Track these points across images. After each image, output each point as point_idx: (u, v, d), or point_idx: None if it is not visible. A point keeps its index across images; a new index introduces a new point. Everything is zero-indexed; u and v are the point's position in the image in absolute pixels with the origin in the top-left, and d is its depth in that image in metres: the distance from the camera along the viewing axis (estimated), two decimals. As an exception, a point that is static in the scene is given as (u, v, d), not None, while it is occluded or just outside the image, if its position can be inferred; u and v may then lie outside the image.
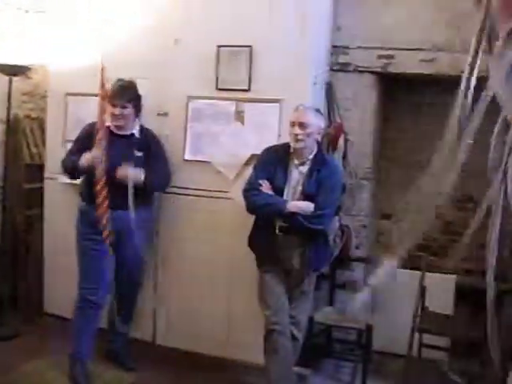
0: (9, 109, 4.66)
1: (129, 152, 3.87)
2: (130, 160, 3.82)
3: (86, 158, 3.72)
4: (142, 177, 3.85)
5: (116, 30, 4.39)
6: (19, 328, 4.61)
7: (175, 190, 4.29)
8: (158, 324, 4.48)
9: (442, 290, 4.40)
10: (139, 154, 3.91)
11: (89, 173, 3.76)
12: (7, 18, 4.80)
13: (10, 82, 4.58)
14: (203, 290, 4.27)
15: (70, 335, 3.89)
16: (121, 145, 3.86)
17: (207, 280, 4.25)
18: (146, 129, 4.06)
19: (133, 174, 3.80)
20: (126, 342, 4.23)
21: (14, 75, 4.60)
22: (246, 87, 4.09)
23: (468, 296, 4.43)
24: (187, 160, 4.27)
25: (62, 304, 4.48)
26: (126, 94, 3.82)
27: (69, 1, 4.67)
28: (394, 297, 4.38)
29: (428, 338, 4.19)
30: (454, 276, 4.48)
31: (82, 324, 3.86)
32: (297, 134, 3.50)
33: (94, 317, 3.87)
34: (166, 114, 4.32)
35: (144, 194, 3.93)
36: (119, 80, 3.87)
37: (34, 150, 5.12)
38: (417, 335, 4.10)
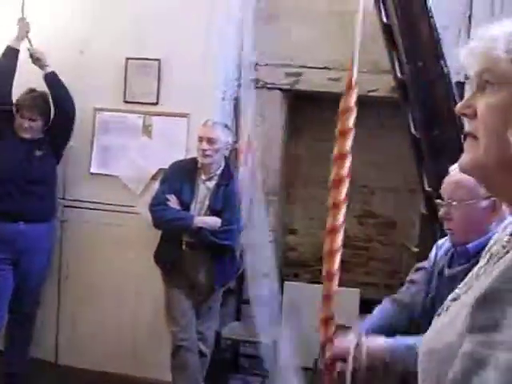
0: None
1: (29, 154, 3.75)
2: (31, 161, 3.69)
3: None
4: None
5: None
6: None
7: (80, 204, 4.18)
8: (60, 343, 4.32)
9: (346, 303, 4.50)
10: (39, 153, 3.79)
11: None
12: None
13: None
14: (109, 307, 4.17)
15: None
16: (23, 147, 3.75)
17: (113, 296, 4.16)
18: None
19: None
20: (24, 362, 4.05)
21: None
22: (155, 101, 4.07)
23: (372, 308, 4.57)
24: (93, 173, 4.18)
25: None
26: (36, 107, 3.73)
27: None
28: (299, 310, 4.44)
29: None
30: (357, 289, 4.60)
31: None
32: (204, 150, 3.51)
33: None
34: (72, 126, 4.21)
35: (46, 204, 3.81)
36: (31, 91, 3.78)
37: None
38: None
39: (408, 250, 4.63)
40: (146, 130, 4.09)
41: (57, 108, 3.84)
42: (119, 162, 4.13)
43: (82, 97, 4.15)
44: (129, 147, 4.11)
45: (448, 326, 0.89)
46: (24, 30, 3.82)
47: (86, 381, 4.10)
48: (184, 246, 3.54)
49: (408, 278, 2.29)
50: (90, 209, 4.18)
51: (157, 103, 4.07)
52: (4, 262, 3.69)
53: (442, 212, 1.96)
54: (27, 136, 3.76)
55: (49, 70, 3.85)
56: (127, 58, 4.10)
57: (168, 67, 4.05)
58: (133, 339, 4.14)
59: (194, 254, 3.54)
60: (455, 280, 1.02)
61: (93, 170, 4.18)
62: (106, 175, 4.15)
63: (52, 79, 3.85)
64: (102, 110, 4.17)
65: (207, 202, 3.57)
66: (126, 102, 4.12)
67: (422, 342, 0.97)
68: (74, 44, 4.18)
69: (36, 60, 3.84)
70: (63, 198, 4.16)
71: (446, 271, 1.99)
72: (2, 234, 3.65)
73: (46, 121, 3.82)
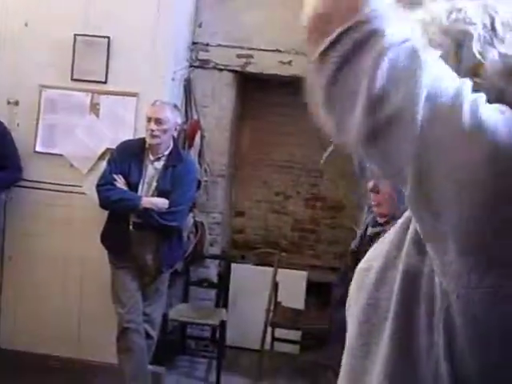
0: None
1: None
2: None
3: None
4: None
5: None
6: None
7: (25, 183, 4.08)
8: (2, 327, 4.22)
9: (293, 286, 4.56)
10: None
11: None
12: None
13: None
14: (54, 289, 4.10)
15: None
16: None
17: (58, 278, 4.09)
18: None
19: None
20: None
21: None
22: (103, 79, 3.99)
23: (317, 291, 4.64)
24: (38, 152, 4.08)
25: None
26: None
27: None
28: (246, 293, 4.47)
29: (280, 332, 4.33)
30: (305, 272, 4.66)
31: None
32: (153, 130, 3.47)
33: None
34: (16, 103, 4.09)
35: None
36: None
37: None
38: (270, 329, 4.22)
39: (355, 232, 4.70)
40: (94, 108, 4.01)
41: None
42: (65, 141, 4.04)
43: (27, 73, 4.05)
44: (76, 126, 4.02)
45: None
46: None
47: (28, 364, 4.01)
48: (131, 227, 3.50)
49: None
50: (35, 188, 4.08)
51: (105, 82, 3.99)
52: None
53: (370, 185, 2.05)
54: None
55: None
56: (75, 35, 4.00)
57: (117, 45, 3.98)
58: (79, 322, 4.08)
59: (141, 235, 3.51)
60: (376, 238, 1.05)
61: (38, 148, 4.07)
62: (52, 154, 4.05)
63: None
64: (48, 87, 4.06)
65: (155, 183, 3.54)
66: (74, 79, 4.02)
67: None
68: (20, 16, 4.06)
69: None
70: (5, 178, 4.05)
71: (369, 230, 2.09)
72: None
73: None
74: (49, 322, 4.11)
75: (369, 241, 1.94)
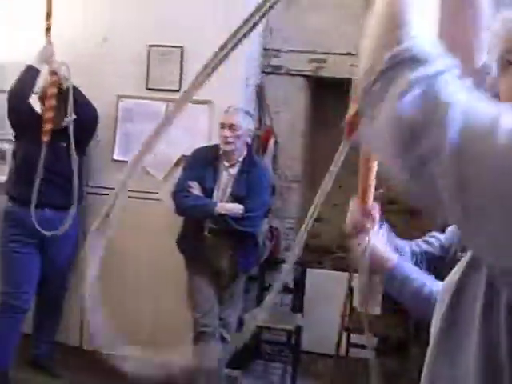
0: None
1: (54, 144, 3.78)
2: (55, 151, 3.74)
3: None
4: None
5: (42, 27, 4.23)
6: None
7: (103, 190, 4.20)
8: (85, 328, 4.37)
9: (369, 291, 4.49)
10: (64, 144, 3.81)
11: None
12: None
13: None
14: (131, 292, 4.21)
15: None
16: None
17: (135, 282, 4.20)
18: None
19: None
20: (52, 347, 4.12)
21: None
22: (177, 88, 4.06)
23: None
24: (116, 160, 4.20)
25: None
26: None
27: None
28: (322, 298, 4.44)
29: (356, 338, 4.27)
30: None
31: (3, 330, 3.75)
32: (226, 136, 3.51)
33: (16, 322, 3.77)
34: (96, 112, 4.23)
35: (71, 191, 3.84)
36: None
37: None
38: (345, 335, 4.17)
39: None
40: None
41: (78, 117, 3.85)
42: (142, 149, 4.14)
43: (105, 84, 4.18)
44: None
45: None
46: (47, 55, 3.73)
47: (108, 365, 4.12)
48: (206, 233, 3.54)
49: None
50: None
51: (179, 90, 4.06)
52: (31, 247, 3.76)
53: None
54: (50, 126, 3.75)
55: (70, 84, 3.82)
56: (150, 46, 4.11)
57: (190, 54, 4.05)
58: (155, 324, 4.17)
59: (217, 240, 3.55)
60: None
61: (116, 156, 4.21)
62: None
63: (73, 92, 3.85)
64: (124, 97, 4.18)
65: (230, 189, 3.57)
66: (149, 89, 4.13)
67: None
68: (98, 32, 4.21)
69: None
70: (87, 185, 4.21)
71: (458, 255, 1.97)
72: (28, 220, 3.69)
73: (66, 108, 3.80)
74: (127, 323, 4.20)
75: (451, 262, 1.83)
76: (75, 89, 3.80)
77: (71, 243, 3.96)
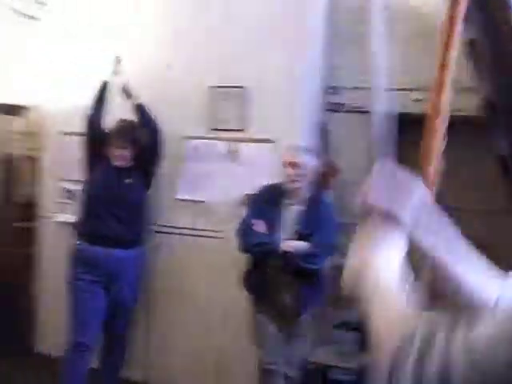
0: (4, 148, 4.68)
1: (120, 181, 3.89)
2: (122, 188, 3.83)
3: None
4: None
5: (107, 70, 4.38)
6: (9, 370, 4.55)
7: (168, 229, 4.29)
8: (150, 363, 4.42)
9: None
10: (130, 181, 3.93)
11: None
12: (5, 59, 4.86)
13: (7, 121, 4.61)
14: (196, 329, 4.24)
15: (60, 376, 3.86)
16: (114, 174, 3.91)
17: (201, 319, 4.22)
18: None
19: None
20: (118, 381, 4.18)
21: (10, 115, 4.64)
22: (240, 127, 4.13)
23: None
24: (182, 200, 4.28)
25: (54, 344, 4.43)
26: (126, 136, 3.88)
27: (61, 43, 4.73)
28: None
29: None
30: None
31: (72, 365, 3.85)
32: (290, 175, 3.52)
33: (84, 357, 3.85)
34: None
35: (137, 230, 3.92)
36: (121, 121, 3.93)
37: (27, 189, 5.12)
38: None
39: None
40: (232, 155, 4.15)
41: (145, 137, 3.98)
42: (206, 188, 4.21)
43: (171, 126, 4.28)
44: (216, 173, 4.19)
45: None
46: (118, 67, 4.03)
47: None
48: (271, 271, 3.54)
49: None
50: (179, 234, 4.27)
51: (242, 129, 4.13)
52: (96, 285, 3.84)
53: None
54: (119, 164, 3.91)
55: (138, 101, 4.00)
56: (212, 87, 4.19)
57: (252, 94, 4.11)
58: (219, 362, 4.17)
59: (281, 278, 3.53)
60: None
61: (180, 196, 4.28)
62: (194, 201, 4.24)
63: (140, 110, 4.00)
64: (189, 137, 4.27)
65: (294, 226, 3.57)
66: (213, 129, 4.20)
67: None
68: (159, 76, 4.33)
69: (126, 94, 4.01)
70: (153, 224, 4.28)
71: None
72: (94, 258, 3.80)
73: (135, 149, 3.94)
74: (191, 361, 4.23)
75: None
76: (142, 107, 4.05)
77: (137, 281, 4.03)
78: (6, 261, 4.96)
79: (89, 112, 4.01)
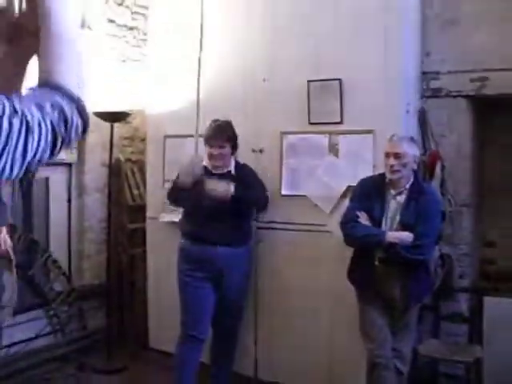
0: (111, 153, 4.91)
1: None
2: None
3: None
4: (232, 189, 3.82)
5: (209, 70, 4.45)
6: (126, 362, 4.79)
7: (273, 225, 4.34)
8: (259, 358, 4.49)
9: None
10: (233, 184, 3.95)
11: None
12: (106, 68, 5.09)
13: (112, 127, 4.83)
14: (304, 324, 4.25)
15: (173, 369, 4.00)
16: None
17: (308, 313, 4.23)
18: (242, 164, 4.14)
19: (222, 186, 3.82)
20: (229, 376, 4.27)
21: (115, 121, 4.85)
22: (339, 120, 4.11)
23: None
24: (284, 195, 4.32)
25: (166, 339, 4.59)
26: (223, 134, 3.93)
27: (162, 47, 4.89)
28: (503, 328, 4.18)
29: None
30: None
31: (184, 358, 3.97)
32: (392, 165, 3.48)
33: (195, 352, 3.96)
34: (261, 151, 4.39)
35: (243, 229, 3.99)
36: (215, 120, 4.00)
37: (135, 191, 5.35)
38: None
39: None
40: (333, 149, 4.15)
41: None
42: (308, 183, 4.22)
43: (269, 122, 4.34)
44: (316, 167, 4.19)
45: None
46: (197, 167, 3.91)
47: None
48: (377, 263, 3.51)
49: None
50: (282, 229, 4.32)
51: (341, 122, 4.11)
52: (205, 281, 3.94)
53: None
54: (219, 164, 3.95)
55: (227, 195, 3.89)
56: (308, 81, 4.19)
57: (349, 85, 4.08)
58: (329, 356, 4.17)
59: (388, 270, 3.50)
60: None
61: (284, 191, 4.32)
62: (296, 196, 4.26)
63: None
64: (288, 133, 4.30)
65: (398, 217, 3.52)
66: (311, 123, 4.21)
67: None
68: (258, 72, 4.39)
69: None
70: (256, 220, 4.34)
71: None
72: (203, 255, 3.89)
73: (233, 146, 3.98)
74: (300, 356, 4.26)
75: None
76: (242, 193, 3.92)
77: (244, 277, 4.11)
78: (121, 260, 5.21)
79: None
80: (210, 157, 3.96)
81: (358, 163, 4.02)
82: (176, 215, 4.44)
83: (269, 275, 4.39)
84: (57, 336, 4.84)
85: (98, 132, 4.98)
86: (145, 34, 5.46)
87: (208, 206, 3.84)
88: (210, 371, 4.25)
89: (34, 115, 0.94)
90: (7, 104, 0.91)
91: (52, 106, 0.98)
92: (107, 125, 4.84)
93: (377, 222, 3.52)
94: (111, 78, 5.06)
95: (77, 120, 1.02)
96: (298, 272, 4.26)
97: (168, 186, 4.33)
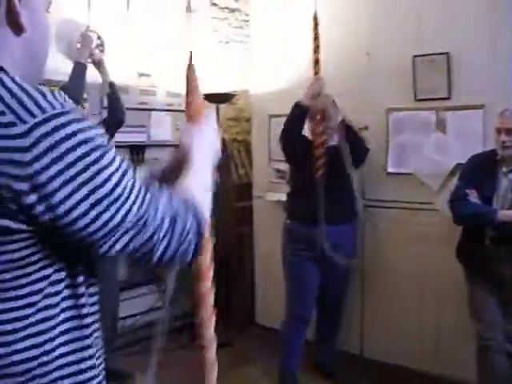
0: (219, 134, 5.03)
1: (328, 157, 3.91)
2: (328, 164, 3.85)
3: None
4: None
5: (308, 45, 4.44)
6: (233, 337, 4.94)
7: (378, 203, 4.31)
8: (365, 337, 4.50)
9: None
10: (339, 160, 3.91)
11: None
12: (211, 50, 5.21)
13: (218, 109, 4.95)
14: (410, 303, 4.21)
15: (279, 346, 4.07)
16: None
17: (414, 293, 4.19)
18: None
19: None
20: (334, 354, 4.31)
21: (221, 103, 4.96)
22: (446, 95, 3.99)
23: None
24: (390, 173, 4.27)
25: (272, 316, 4.70)
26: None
27: (265, 27, 4.94)
28: None
29: None
30: None
31: (290, 336, 4.02)
32: (504, 141, 3.34)
33: (301, 330, 4.01)
34: (366, 128, 4.34)
35: (348, 207, 3.96)
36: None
37: (241, 170, 5.47)
38: None
39: None
40: (440, 125, 4.04)
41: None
42: (415, 160, 4.15)
43: (374, 99, 4.28)
44: (423, 144, 4.11)
45: None
46: (316, 91, 3.84)
47: (388, 375, 4.19)
48: (487, 241, 3.40)
49: None
50: (389, 208, 4.28)
51: (449, 97, 3.99)
52: (311, 260, 3.97)
53: None
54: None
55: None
56: (414, 56, 4.10)
57: (456, 60, 3.94)
58: (435, 336, 4.11)
59: (499, 249, 3.37)
60: None
61: (389, 169, 4.27)
62: (402, 174, 4.20)
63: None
64: (394, 110, 4.24)
65: (510, 195, 3.39)
66: (417, 99, 4.12)
67: None
68: (361, 49, 4.34)
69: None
70: (363, 199, 4.30)
71: None
72: (307, 235, 3.90)
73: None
74: (407, 335, 4.22)
75: None
76: (347, 128, 3.90)
77: (350, 256, 4.11)
78: (230, 239, 5.36)
79: (284, 132, 4.00)
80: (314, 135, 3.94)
81: (467, 140, 3.89)
82: (282, 194, 4.50)
83: (374, 254, 4.37)
84: (168, 310, 5.06)
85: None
86: (246, 15, 5.53)
87: (315, 184, 3.83)
88: (315, 349, 4.30)
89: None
90: None
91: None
92: (213, 106, 4.96)
93: (487, 200, 3.41)
94: (215, 60, 5.17)
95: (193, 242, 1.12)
96: (403, 251, 4.21)
97: (273, 165, 4.39)
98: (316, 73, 3.81)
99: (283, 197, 4.38)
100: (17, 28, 1.05)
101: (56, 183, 0.93)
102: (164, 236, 1.05)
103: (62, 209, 0.94)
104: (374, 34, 4.31)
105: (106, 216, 0.98)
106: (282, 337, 4.07)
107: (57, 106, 0.96)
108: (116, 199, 0.99)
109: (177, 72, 4.99)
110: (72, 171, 0.94)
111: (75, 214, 0.95)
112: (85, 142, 0.96)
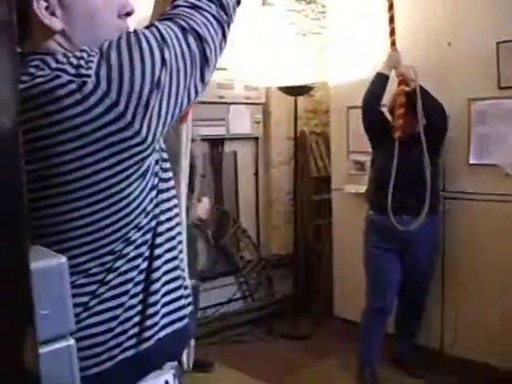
0: (295, 126, 5.05)
1: (408, 154, 3.85)
2: (407, 156, 3.81)
3: None
4: None
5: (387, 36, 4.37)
6: (311, 329, 4.96)
7: (460, 195, 4.20)
8: (445, 332, 4.40)
9: None
10: (417, 151, 3.82)
11: None
12: (288, 43, 5.22)
13: (295, 101, 4.96)
14: (495, 299, 4.06)
15: (358, 339, 4.06)
16: (400, 144, 3.88)
17: (499, 287, 4.04)
18: None
19: None
20: (414, 348, 4.25)
21: (299, 95, 4.97)
22: (533, 82, 3.84)
23: None
24: (472, 164, 4.14)
25: (351, 308, 4.67)
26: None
27: (342, 18, 4.89)
28: None
29: None
30: None
31: (369, 329, 4.00)
32: None
33: (381, 323, 3.98)
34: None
35: (429, 198, 3.88)
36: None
37: (320, 163, 5.46)
38: None
39: None
40: (525, 114, 3.89)
41: (428, 120, 3.87)
42: (498, 151, 4.01)
43: (455, 89, 4.17)
44: (507, 134, 3.96)
45: None
46: (394, 61, 3.89)
47: (469, 372, 4.05)
48: None
49: None
50: (470, 199, 4.16)
51: (535, 85, 3.83)
52: (392, 253, 3.92)
53: None
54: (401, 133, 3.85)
55: (414, 85, 3.85)
56: (498, 42, 3.95)
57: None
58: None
59: None
60: None
61: (472, 160, 4.14)
62: (485, 165, 4.07)
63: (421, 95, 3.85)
64: (476, 99, 4.10)
65: None
66: (501, 87, 3.98)
67: None
68: (441, 37, 4.23)
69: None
70: (444, 190, 4.23)
71: None
72: (388, 227, 3.84)
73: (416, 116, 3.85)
74: (489, 332, 4.08)
75: None
76: (422, 90, 3.82)
77: (432, 248, 4.03)
78: (308, 232, 5.38)
79: (364, 100, 4.01)
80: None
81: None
82: (361, 186, 4.46)
83: (455, 247, 4.26)
84: (247, 301, 5.15)
85: (283, 106, 5.14)
86: (323, 7, 5.50)
87: (395, 175, 3.78)
88: (394, 342, 4.26)
89: None
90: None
91: None
92: (291, 99, 4.98)
93: None
94: (293, 52, 5.18)
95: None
96: (485, 244, 4.08)
97: (352, 157, 4.35)
98: (392, 43, 3.82)
99: (362, 189, 4.35)
100: (47, 29, 1.17)
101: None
102: None
103: None
104: (455, 22, 4.18)
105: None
106: (362, 329, 4.05)
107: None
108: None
109: (254, 65, 5.08)
110: None
111: None
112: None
